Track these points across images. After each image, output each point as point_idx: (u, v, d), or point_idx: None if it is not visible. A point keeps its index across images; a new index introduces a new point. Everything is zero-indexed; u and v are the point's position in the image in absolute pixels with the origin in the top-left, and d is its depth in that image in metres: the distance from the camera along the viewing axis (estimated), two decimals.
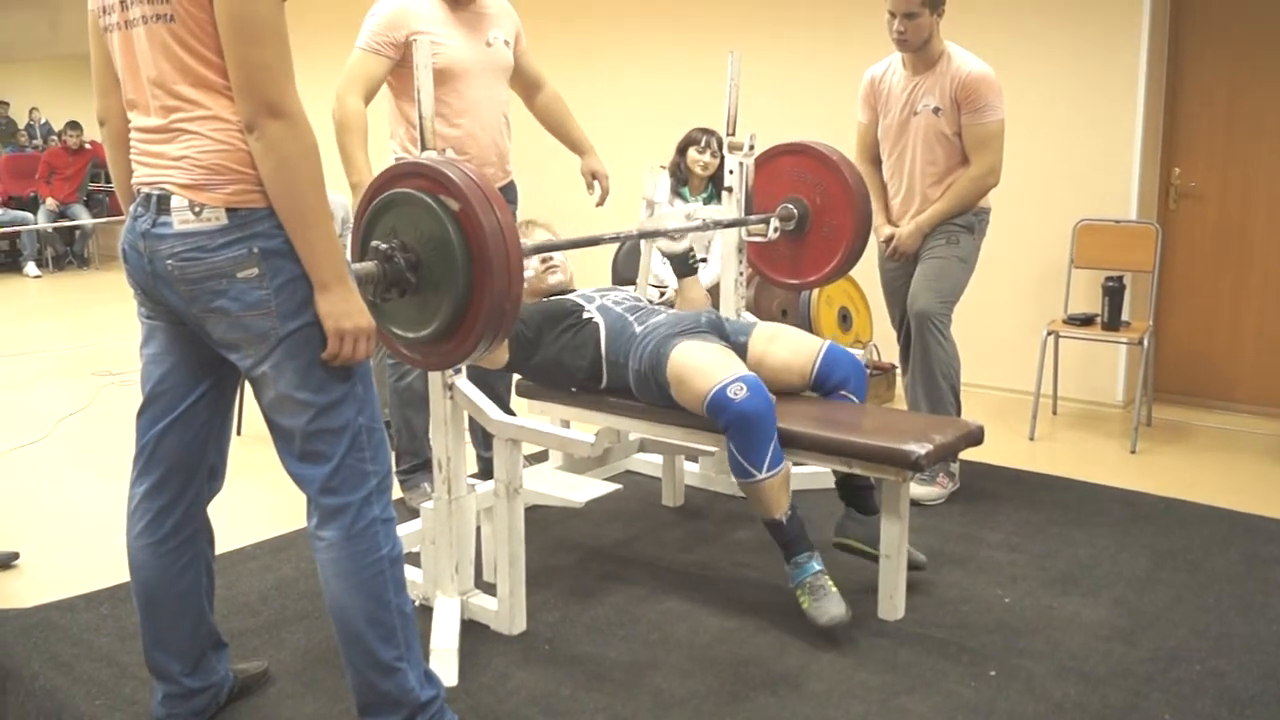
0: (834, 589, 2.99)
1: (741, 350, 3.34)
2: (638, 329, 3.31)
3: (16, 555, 3.65)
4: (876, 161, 4.31)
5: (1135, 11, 5.16)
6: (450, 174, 2.42)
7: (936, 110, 4.02)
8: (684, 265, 3.71)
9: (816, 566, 3.02)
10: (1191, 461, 4.66)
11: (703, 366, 3.06)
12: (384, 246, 2.46)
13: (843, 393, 3.34)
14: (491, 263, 2.38)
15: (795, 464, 3.40)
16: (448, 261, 2.41)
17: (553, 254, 3.59)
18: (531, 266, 3.54)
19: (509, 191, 3.91)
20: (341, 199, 4.41)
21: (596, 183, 4.04)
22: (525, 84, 3.98)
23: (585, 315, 3.37)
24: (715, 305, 4.05)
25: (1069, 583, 3.35)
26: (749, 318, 3.92)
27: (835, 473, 3.27)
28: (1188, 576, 3.39)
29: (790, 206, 3.91)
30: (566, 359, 3.34)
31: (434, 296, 2.48)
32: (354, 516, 2.22)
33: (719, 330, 3.37)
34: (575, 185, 4.18)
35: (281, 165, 2.03)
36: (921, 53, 4.00)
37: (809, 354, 3.36)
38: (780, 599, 3.20)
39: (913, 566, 3.27)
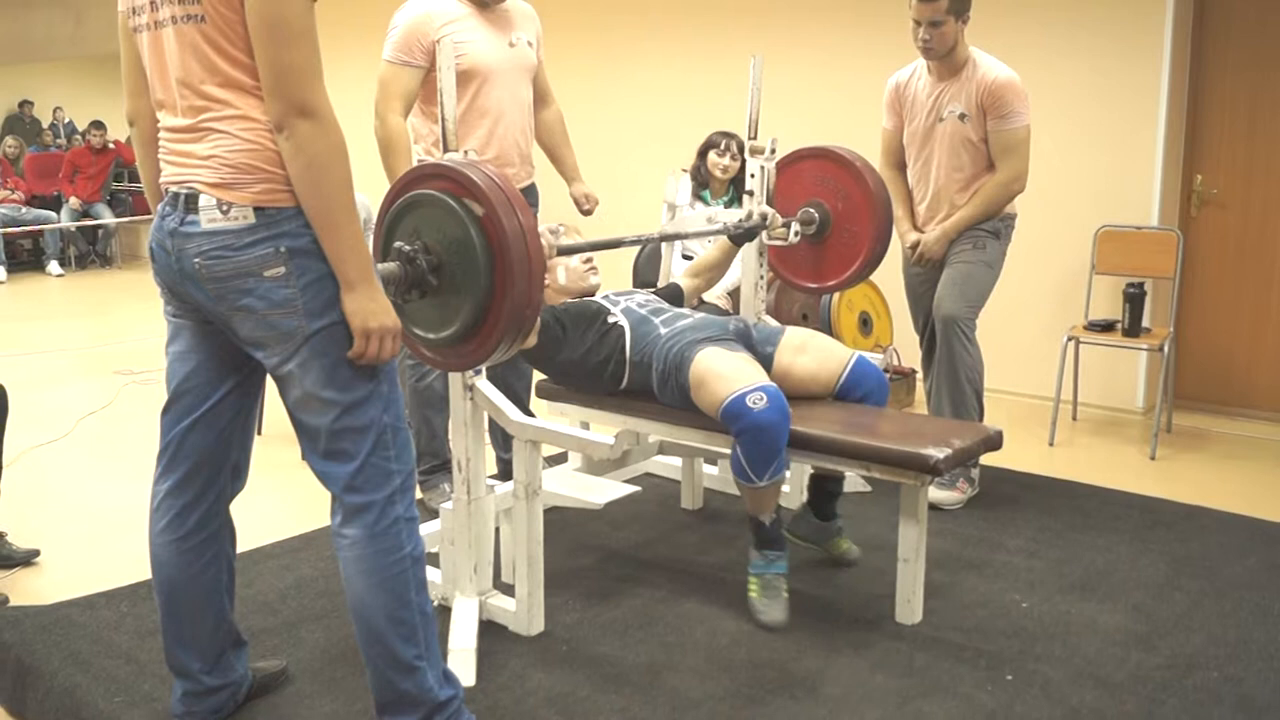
0: (785, 594, 3.13)
1: (768, 360, 3.35)
2: (663, 330, 3.31)
3: (37, 553, 3.67)
4: (901, 167, 4.31)
5: (1158, 18, 5.15)
6: (473, 176, 2.43)
7: (962, 116, 4.02)
8: (744, 237, 3.78)
9: (783, 569, 3.15)
10: (1211, 468, 4.64)
11: (725, 373, 3.07)
12: (406, 248, 2.48)
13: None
14: (513, 265, 2.39)
15: (813, 466, 3.42)
16: (469, 263, 2.43)
17: (592, 256, 3.61)
18: (570, 265, 3.55)
19: (531, 193, 3.92)
20: (365, 199, 4.42)
21: (587, 203, 4.07)
22: (533, 96, 3.96)
23: (611, 319, 3.38)
24: (736, 309, 4.05)
25: (1087, 588, 3.34)
26: (771, 322, 3.91)
27: (815, 467, 3.39)
28: (1206, 583, 3.38)
29: (811, 211, 3.91)
30: (591, 361, 3.35)
31: (455, 298, 2.49)
32: (377, 515, 2.23)
33: (746, 339, 3.37)
34: (597, 187, 4.18)
35: (310, 165, 2.05)
36: (947, 59, 4.00)
37: (836, 367, 3.37)
38: (799, 602, 3.20)
39: (847, 562, 3.48)
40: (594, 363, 3.35)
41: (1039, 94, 4.99)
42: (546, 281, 3.53)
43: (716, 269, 3.88)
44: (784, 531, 3.37)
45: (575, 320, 3.38)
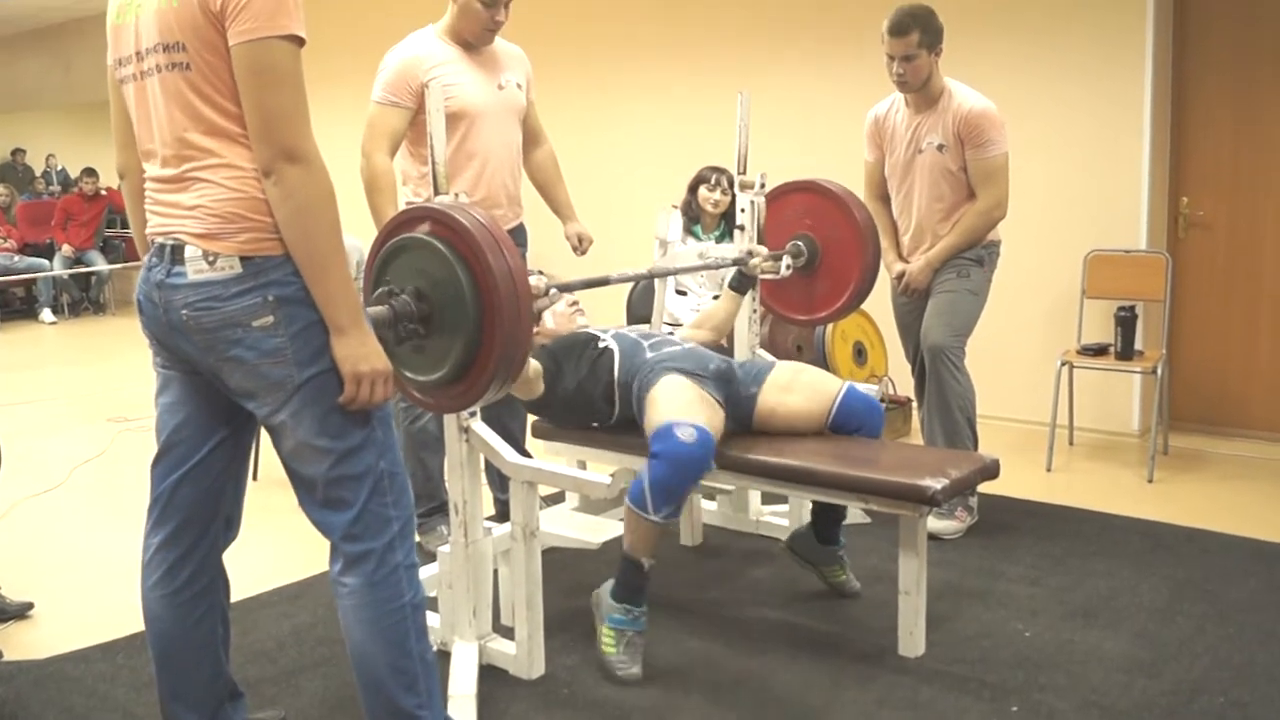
0: (640, 648, 3.04)
1: (750, 401, 3.32)
2: (649, 355, 3.30)
3: (31, 605, 3.63)
4: (885, 199, 4.33)
5: (1138, 43, 5.19)
6: (459, 218, 2.43)
7: (941, 147, 4.04)
8: (743, 284, 3.77)
9: (644, 627, 3.06)
10: (1209, 490, 4.63)
11: (673, 402, 3.06)
12: (395, 290, 2.48)
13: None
14: (502, 306, 2.39)
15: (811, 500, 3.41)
16: (458, 305, 2.43)
17: (577, 299, 3.60)
18: (557, 310, 3.54)
19: (519, 233, 3.93)
20: (356, 241, 4.43)
21: (581, 244, 4.08)
22: (525, 137, 3.96)
23: (601, 344, 3.38)
24: (730, 343, 4.04)
25: (1089, 615, 3.33)
26: (766, 356, 3.90)
27: (813, 502, 3.40)
28: (1208, 607, 3.37)
29: (799, 244, 3.92)
30: (587, 386, 3.33)
31: (445, 340, 2.49)
32: (377, 563, 2.22)
33: (726, 379, 3.32)
34: (589, 224, 4.17)
35: (299, 210, 2.04)
36: (922, 92, 4.03)
37: (824, 402, 3.32)
38: (801, 638, 3.19)
39: (846, 593, 3.50)
40: (589, 390, 3.33)
41: (1024, 122, 5.03)
42: (536, 328, 3.53)
43: (725, 321, 3.82)
44: (784, 546, 3.52)
45: (566, 351, 3.37)
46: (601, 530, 3.19)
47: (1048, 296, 5.55)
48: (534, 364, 3.20)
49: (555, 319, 3.52)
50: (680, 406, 3.04)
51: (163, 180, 2.17)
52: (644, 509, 2.95)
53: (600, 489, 2.93)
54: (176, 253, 2.12)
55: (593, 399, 3.35)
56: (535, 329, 3.48)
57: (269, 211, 2.07)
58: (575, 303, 3.59)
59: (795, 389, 3.36)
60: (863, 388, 3.57)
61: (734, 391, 3.32)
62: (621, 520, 3.07)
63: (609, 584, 3.10)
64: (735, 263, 3.75)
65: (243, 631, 3.21)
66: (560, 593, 3.54)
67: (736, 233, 3.95)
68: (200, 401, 2.30)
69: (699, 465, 2.95)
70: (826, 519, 3.45)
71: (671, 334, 3.73)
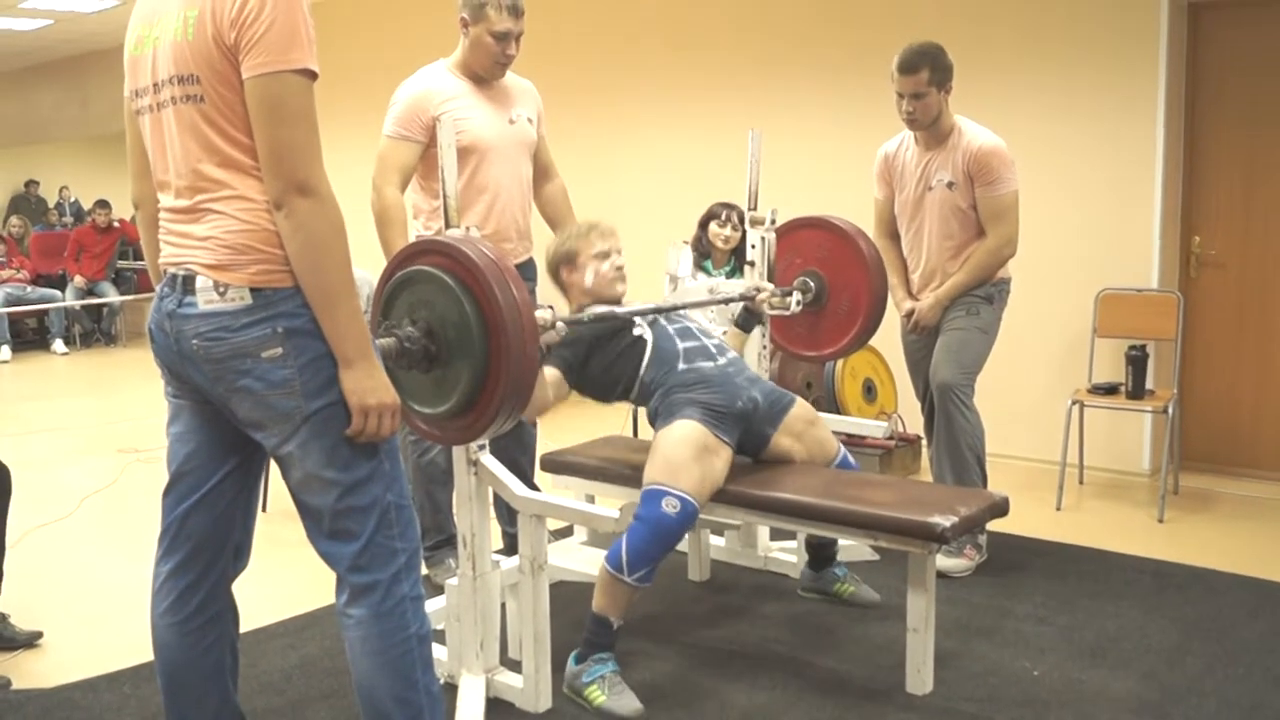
0: (625, 683, 3.05)
1: (763, 441, 3.37)
2: (680, 366, 3.29)
3: (40, 634, 3.64)
4: (895, 236, 4.34)
5: (1151, 82, 5.21)
6: (466, 251, 2.45)
7: (950, 184, 4.06)
8: (749, 321, 3.82)
9: (616, 665, 3.07)
10: (1219, 530, 4.61)
11: (674, 460, 3.09)
12: (403, 323, 2.49)
13: None
14: (509, 339, 2.41)
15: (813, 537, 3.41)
16: (465, 337, 2.44)
17: (622, 264, 3.50)
18: (600, 270, 3.43)
19: (529, 268, 3.93)
20: (366, 274, 4.44)
21: None
22: (536, 171, 3.97)
23: (636, 333, 3.36)
24: None
25: (1098, 655, 3.31)
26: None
27: (814, 538, 3.57)
28: (1217, 647, 3.35)
29: (807, 280, 3.94)
30: (614, 371, 3.34)
31: (452, 372, 2.51)
32: (383, 595, 2.22)
33: (747, 419, 3.30)
34: None
35: (309, 243, 2.06)
36: (932, 129, 4.05)
37: (825, 460, 3.47)
38: (808, 674, 3.17)
39: (862, 604, 3.65)
40: (615, 374, 3.34)
41: (1037, 161, 5.04)
42: (581, 291, 3.48)
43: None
44: (801, 592, 3.62)
45: (595, 341, 3.34)
46: None
47: (1059, 335, 5.55)
48: (551, 371, 3.21)
49: (596, 278, 3.43)
50: (679, 464, 3.08)
51: (176, 211, 2.19)
52: (620, 570, 2.99)
53: (609, 523, 2.93)
54: (188, 283, 2.14)
55: (617, 382, 3.36)
56: (571, 297, 3.52)
57: (280, 244, 2.09)
58: (620, 267, 3.47)
59: (804, 441, 3.44)
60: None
61: (750, 429, 3.33)
62: None
63: (570, 660, 3.12)
64: (742, 298, 3.76)
65: (250, 662, 3.21)
66: (568, 626, 3.52)
67: (746, 268, 3.97)
68: (211, 431, 2.31)
69: (676, 537, 3.05)
70: (816, 554, 3.69)
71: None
